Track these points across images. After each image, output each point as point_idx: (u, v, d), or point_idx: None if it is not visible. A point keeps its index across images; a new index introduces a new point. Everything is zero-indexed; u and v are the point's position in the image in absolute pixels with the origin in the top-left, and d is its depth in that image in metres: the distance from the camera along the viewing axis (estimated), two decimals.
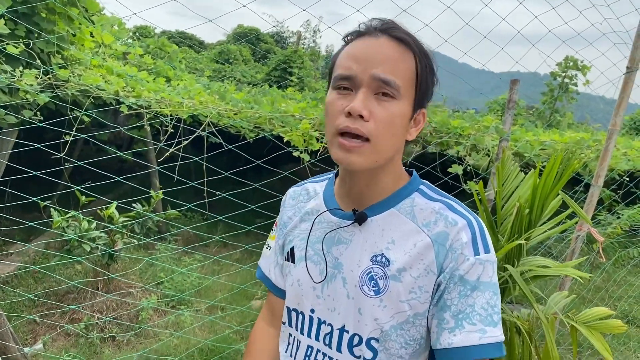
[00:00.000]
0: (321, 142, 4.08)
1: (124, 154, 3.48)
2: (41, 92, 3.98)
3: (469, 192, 4.28)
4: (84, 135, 3.48)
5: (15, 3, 4.31)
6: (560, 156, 2.18)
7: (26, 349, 3.66)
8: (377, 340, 1.03)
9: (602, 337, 2.55)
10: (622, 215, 7.05)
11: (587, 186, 3.81)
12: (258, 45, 27.25)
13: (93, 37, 5.25)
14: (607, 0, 3.56)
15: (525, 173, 2.82)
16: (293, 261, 1.18)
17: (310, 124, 3.94)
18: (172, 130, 4.15)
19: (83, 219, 4.00)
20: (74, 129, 3.70)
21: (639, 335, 5.49)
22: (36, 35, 4.42)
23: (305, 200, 1.23)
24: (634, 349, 4.99)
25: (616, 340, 5.20)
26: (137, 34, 15.64)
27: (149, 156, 6.61)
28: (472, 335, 0.95)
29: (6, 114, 4.14)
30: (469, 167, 4.65)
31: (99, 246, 4.00)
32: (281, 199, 1.33)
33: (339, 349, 1.07)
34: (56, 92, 4.07)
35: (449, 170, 4.32)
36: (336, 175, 1.19)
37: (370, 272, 1.03)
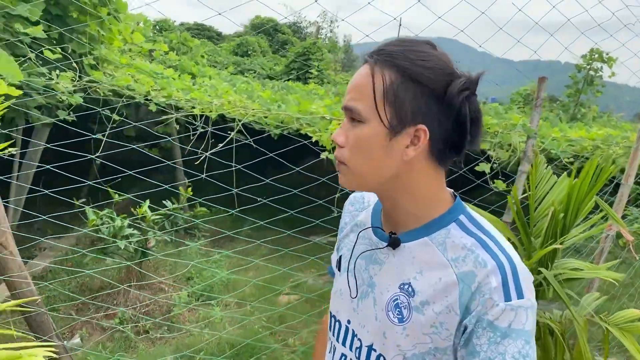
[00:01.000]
0: None
1: (149, 150, 3.57)
2: (74, 92, 4.08)
3: (496, 190, 4.31)
4: (109, 131, 3.56)
5: (49, 6, 4.41)
6: (595, 161, 2.20)
7: (66, 343, 3.79)
8: None
9: (633, 338, 2.57)
10: None
11: (616, 184, 3.80)
12: (276, 36, 27.27)
13: (121, 35, 5.34)
14: None
15: (553, 170, 2.85)
16: (340, 269, 1.21)
17: (339, 124, 3.99)
18: (201, 129, 4.23)
19: (117, 217, 4.11)
20: (108, 128, 3.80)
21: None
22: (68, 37, 4.52)
23: (360, 209, 1.23)
24: None
25: None
26: (157, 27, 15.75)
27: (174, 153, 6.73)
28: None
29: (42, 114, 4.25)
30: (494, 165, 4.66)
31: (132, 243, 4.11)
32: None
33: None
34: (89, 94, 4.17)
35: (476, 169, 4.33)
36: None
37: (397, 299, 1.03)
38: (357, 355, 1.11)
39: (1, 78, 2.98)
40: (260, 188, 3.58)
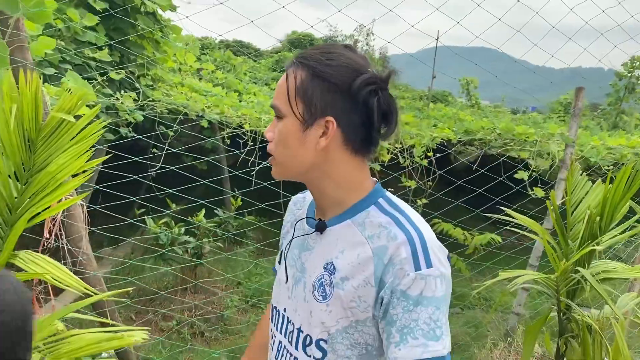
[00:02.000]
0: (391, 154, 4.33)
1: (199, 164, 3.84)
2: (135, 111, 4.43)
3: (535, 197, 4.43)
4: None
5: (110, 31, 4.80)
6: (629, 167, 2.34)
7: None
8: (325, 341, 1.10)
9: None
10: None
11: None
12: None
13: (175, 56, 5.71)
14: None
15: (590, 177, 2.98)
16: (280, 262, 1.30)
17: None
18: (251, 143, 4.52)
19: (175, 225, 4.42)
20: (167, 143, 4.12)
21: None
22: (127, 59, 4.90)
23: (299, 207, 1.33)
24: None
25: None
26: (200, 46, 16.34)
27: (222, 164, 7.07)
28: (415, 350, 0.97)
29: (106, 132, 4.62)
30: (533, 173, 4.78)
31: (189, 249, 4.40)
32: None
33: (296, 347, 1.16)
34: (148, 112, 4.52)
35: (515, 176, 4.47)
36: None
37: (322, 278, 1.11)
38: (289, 339, 1.18)
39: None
40: None
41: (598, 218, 2.46)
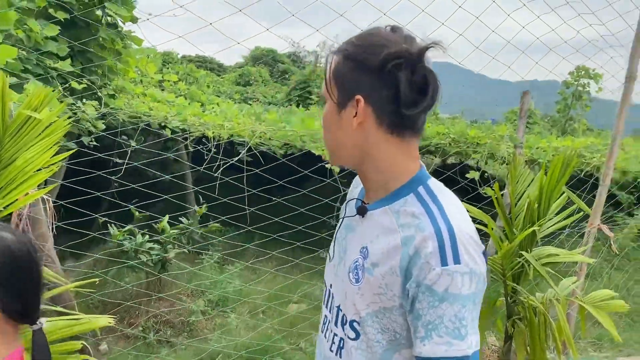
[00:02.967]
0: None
1: (163, 172, 3.93)
2: (97, 120, 4.49)
3: (486, 195, 4.65)
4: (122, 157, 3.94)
5: (71, 41, 4.85)
6: (562, 156, 2.56)
7: (102, 346, 4.11)
8: (358, 323, 1.11)
9: (607, 315, 2.89)
10: (638, 215, 7.33)
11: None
12: (275, 65, 27.90)
13: (137, 67, 5.78)
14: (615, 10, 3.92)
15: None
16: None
17: None
18: (214, 149, 4.62)
19: (138, 232, 4.47)
20: (129, 152, 4.19)
21: None
22: (88, 69, 4.95)
23: (356, 186, 1.33)
24: None
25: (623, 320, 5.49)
26: (162, 60, 16.30)
27: (186, 175, 7.11)
28: (439, 347, 0.97)
29: (67, 140, 4.65)
30: (486, 174, 5.02)
31: (153, 257, 4.45)
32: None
33: (336, 324, 1.19)
34: (111, 119, 4.57)
35: (467, 175, 4.69)
36: None
37: (356, 261, 1.12)
38: (332, 315, 1.21)
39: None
40: (269, 205, 3.94)
41: (536, 205, 2.66)
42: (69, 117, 4.18)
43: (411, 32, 1.08)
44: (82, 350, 1.91)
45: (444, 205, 1.05)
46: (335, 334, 1.19)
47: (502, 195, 3.96)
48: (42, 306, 1.35)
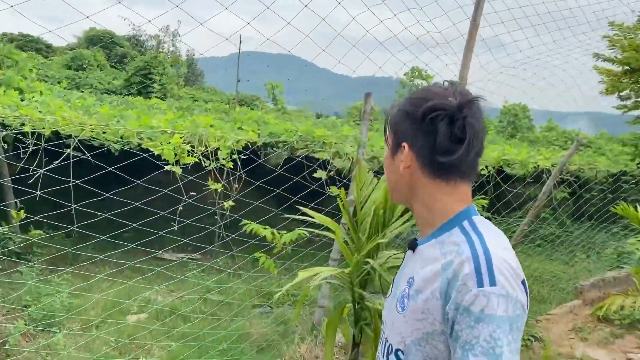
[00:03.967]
0: (192, 156, 4.21)
1: None
2: None
3: (331, 194, 4.69)
4: None
5: None
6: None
7: None
8: (402, 352, 1.16)
9: None
10: None
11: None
12: (113, 49, 25.97)
13: None
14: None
15: (382, 174, 3.25)
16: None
17: (180, 137, 4.06)
18: (33, 146, 4.02)
19: None
20: None
21: None
22: None
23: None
24: None
25: None
26: None
27: (2, 172, 6.20)
28: None
29: None
30: (332, 172, 5.06)
31: None
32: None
33: (382, 355, 1.25)
34: None
35: (314, 175, 4.68)
36: None
37: (404, 291, 1.18)
38: (382, 347, 1.27)
39: None
40: (103, 205, 3.52)
41: (382, 211, 2.67)
42: None
43: (466, 89, 1.21)
44: None
45: (484, 234, 1.13)
46: None
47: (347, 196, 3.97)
48: None
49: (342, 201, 2.84)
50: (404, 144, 1.18)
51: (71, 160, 3.74)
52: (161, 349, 4.43)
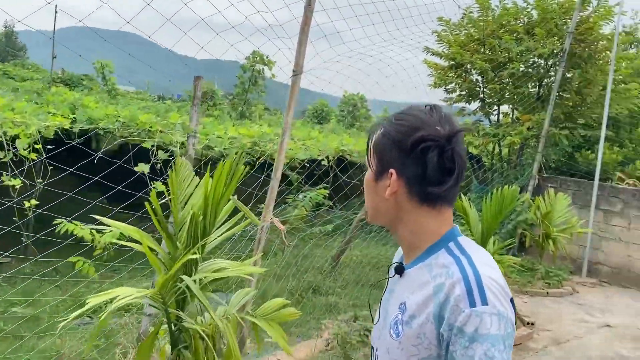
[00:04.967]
0: None
1: None
2: None
3: (157, 190, 4.15)
4: None
5: None
6: (228, 163, 2.20)
7: None
8: None
9: (279, 326, 2.70)
10: (306, 196, 7.90)
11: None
12: None
13: None
14: None
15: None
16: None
17: None
18: None
19: None
20: None
21: (323, 302, 6.24)
22: None
23: (398, 253, 1.38)
24: (318, 316, 5.64)
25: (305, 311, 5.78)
26: None
27: None
28: None
29: None
30: (159, 165, 4.51)
31: None
32: None
33: None
34: None
35: (136, 169, 4.11)
36: None
37: (396, 317, 1.18)
38: None
39: None
40: None
41: (201, 218, 2.26)
42: None
43: (448, 112, 1.20)
44: None
45: (472, 255, 1.16)
46: None
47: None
48: None
49: (152, 203, 2.37)
50: (392, 170, 1.17)
51: None
52: None
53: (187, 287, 2.21)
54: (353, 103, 14.44)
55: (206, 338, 2.44)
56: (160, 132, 4.52)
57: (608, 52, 8.45)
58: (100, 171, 4.01)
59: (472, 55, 8.66)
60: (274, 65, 10.73)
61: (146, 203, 2.36)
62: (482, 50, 8.88)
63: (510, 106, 9.50)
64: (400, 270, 1.24)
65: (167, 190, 3.84)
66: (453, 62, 9.16)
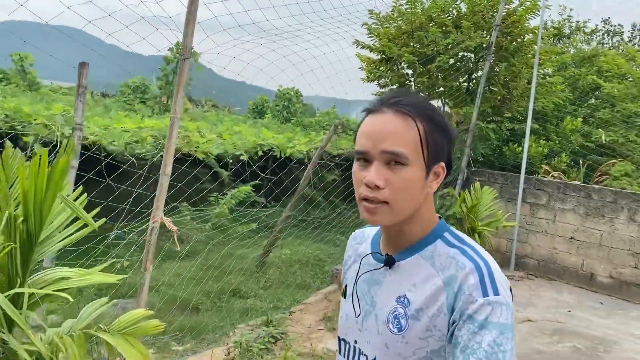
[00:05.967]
0: None
1: None
2: None
3: None
4: None
5: None
6: (44, 153, 1.85)
7: None
8: None
9: (138, 341, 2.39)
10: (227, 194, 7.54)
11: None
12: None
13: None
14: None
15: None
16: (345, 296, 1.34)
17: None
18: None
19: None
20: None
21: (243, 306, 5.91)
22: None
23: (361, 242, 1.38)
24: (232, 321, 5.31)
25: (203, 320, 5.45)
26: None
27: None
28: None
29: None
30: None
31: None
32: None
33: None
34: None
35: None
36: None
37: (395, 311, 1.16)
38: None
39: None
40: None
41: (22, 219, 1.90)
42: None
43: None
44: None
45: (473, 245, 1.18)
46: None
47: None
48: None
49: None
50: (442, 164, 1.17)
51: None
52: None
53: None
54: (288, 97, 14.19)
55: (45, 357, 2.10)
56: (45, 125, 4.08)
57: (534, 46, 8.48)
58: None
59: (400, 49, 8.52)
60: (199, 57, 10.28)
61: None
62: (410, 43, 8.75)
63: (441, 100, 9.43)
64: (390, 262, 1.21)
65: None
66: (384, 56, 9.00)
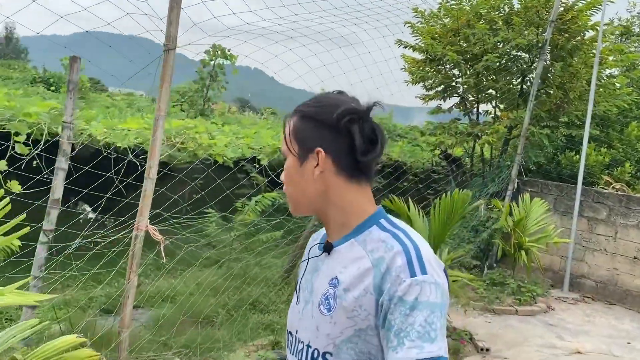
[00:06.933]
0: None
1: None
2: None
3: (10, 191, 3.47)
4: None
5: None
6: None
7: None
8: (331, 354, 1.17)
9: None
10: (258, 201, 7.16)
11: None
12: None
13: None
14: None
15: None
16: (295, 290, 1.36)
17: None
18: None
19: None
20: None
21: (260, 321, 5.52)
22: None
23: (316, 240, 1.40)
24: (245, 338, 4.92)
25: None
26: None
27: None
28: (411, 351, 1.03)
29: None
30: (35, 162, 3.85)
31: None
32: None
33: None
34: None
35: None
36: None
37: (327, 293, 1.20)
38: (299, 358, 1.26)
39: None
40: None
41: None
42: None
43: (354, 95, 1.28)
44: None
45: (406, 230, 1.21)
46: None
47: None
48: None
49: None
50: (318, 149, 1.19)
51: None
52: None
53: None
54: None
55: None
56: (37, 124, 3.84)
57: (595, 44, 7.68)
58: None
59: (444, 47, 7.92)
60: (236, 60, 10.06)
61: None
62: (456, 42, 8.14)
63: (492, 103, 8.75)
64: (328, 248, 1.25)
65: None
66: (429, 56, 8.43)
